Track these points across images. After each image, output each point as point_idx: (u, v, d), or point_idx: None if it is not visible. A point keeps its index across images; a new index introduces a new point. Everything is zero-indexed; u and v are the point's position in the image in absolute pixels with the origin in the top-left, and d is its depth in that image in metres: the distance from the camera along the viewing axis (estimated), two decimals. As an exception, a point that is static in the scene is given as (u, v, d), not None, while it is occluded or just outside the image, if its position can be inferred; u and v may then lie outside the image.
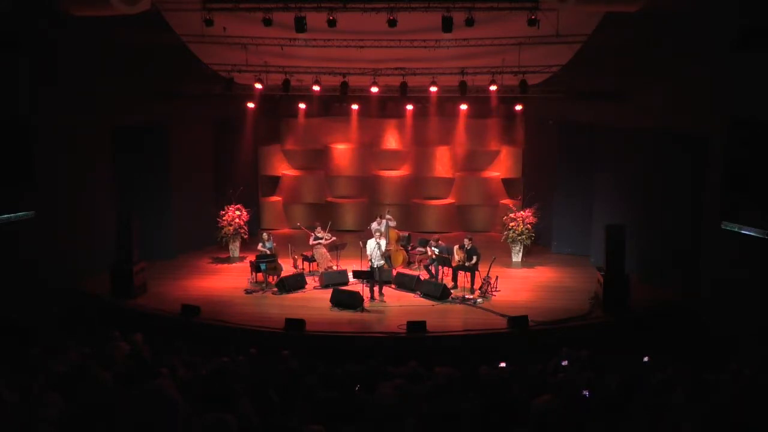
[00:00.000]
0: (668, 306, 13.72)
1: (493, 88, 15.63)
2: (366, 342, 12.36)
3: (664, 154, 14.50)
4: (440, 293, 14.16)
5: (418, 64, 15.58)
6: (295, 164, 20.78)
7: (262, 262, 15.09)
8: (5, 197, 12.91)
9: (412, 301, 14.28)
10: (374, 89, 16.27)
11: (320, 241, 15.93)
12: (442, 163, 20.11)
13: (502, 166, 20.03)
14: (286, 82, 16.06)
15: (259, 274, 15.25)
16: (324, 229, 16.32)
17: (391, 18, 12.63)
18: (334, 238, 16.21)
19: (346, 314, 13.55)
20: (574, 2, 12.18)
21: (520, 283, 15.38)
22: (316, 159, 20.55)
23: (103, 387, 5.54)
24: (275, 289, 14.79)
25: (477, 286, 14.52)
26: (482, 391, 6.94)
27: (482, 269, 14.58)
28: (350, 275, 14.93)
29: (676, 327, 12.83)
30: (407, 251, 16.57)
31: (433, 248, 15.30)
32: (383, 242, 14.49)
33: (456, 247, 15.06)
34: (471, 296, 14.27)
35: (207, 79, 16.27)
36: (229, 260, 17.22)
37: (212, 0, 13.17)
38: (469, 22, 12.61)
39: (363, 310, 13.59)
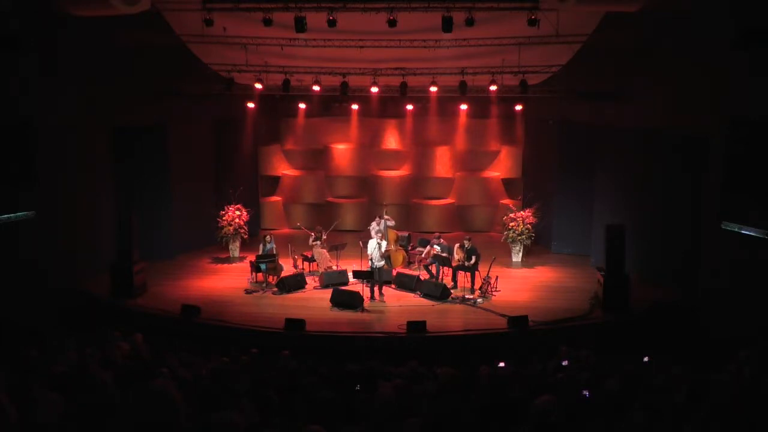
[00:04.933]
0: (668, 306, 13.72)
1: (493, 88, 15.63)
2: (366, 342, 12.36)
3: (664, 154, 14.50)
4: (440, 293, 14.16)
5: (418, 64, 15.58)
6: (295, 164, 20.78)
7: (262, 262, 15.09)
8: (5, 197, 12.91)
9: (412, 301, 14.28)
10: (374, 89, 16.27)
11: (317, 243, 15.95)
12: (442, 163, 20.12)
13: (502, 166, 20.04)
14: (286, 82, 16.06)
15: (259, 274, 15.25)
16: (326, 229, 16.36)
17: (391, 18, 12.64)
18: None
19: (346, 314, 13.55)
20: (574, 2, 12.19)
21: (520, 283, 15.38)
22: (316, 159, 20.55)
23: (103, 387, 5.55)
24: (275, 289, 14.79)
25: (477, 286, 14.52)
26: (482, 391, 6.93)
27: (482, 269, 14.58)
28: (350, 275, 14.94)
29: (676, 327, 12.82)
30: (407, 251, 16.57)
31: (434, 245, 15.31)
32: (383, 243, 14.50)
33: (456, 246, 15.07)
34: (471, 296, 14.27)
35: (207, 79, 16.28)
36: (229, 260, 17.22)
37: (212, 0, 13.18)
38: (469, 22, 12.62)
39: (363, 310, 13.59)
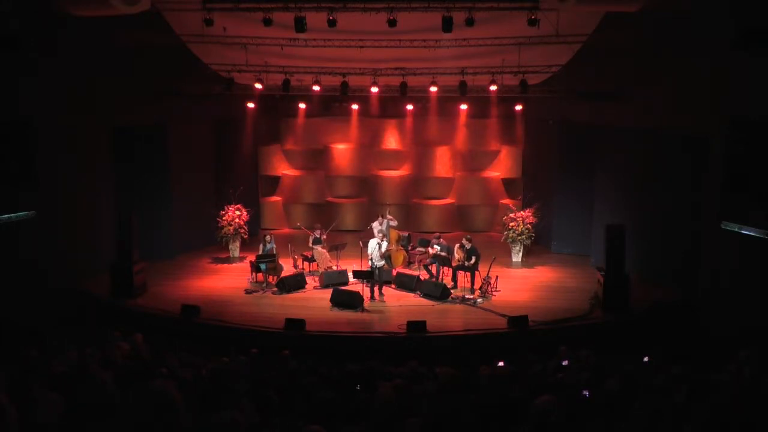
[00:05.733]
0: (668, 306, 13.72)
1: (493, 88, 15.63)
2: (366, 342, 12.37)
3: (664, 154, 14.50)
4: (440, 293, 14.16)
5: (418, 64, 15.58)
6: (295, 164, 20.78)
7: (262, 262, 15.09)
8: (6, 197, 12.91)
9: (412, 301, 14.28)
10: (374, 89, 16.27)
11: (317, 245, 15.97)
12: (442, 163, 20.12)
13: (502, 166, 20.04)
14: (286, 82, 16.07)
15: (259, 274, 15.25)
16: (326, 228, 16.37)
17: (391, 18, 12.63)
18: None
19: (346, 314, 13.55)
20: (574, 2, 12.18)
21: (520, 283, 15.38)
22: (316, 159, 20.55)
23: (103, 387, 5.54)
24: (275, 289, 14.79)
25: (477, 286, 14.52)
26: (482, 391, 6.93)
27: (482, 269, 14.58)
28: (350, 275, 14.93)
29: (676, 327, 12.83)
30: (407, 251, 16.58)
31: (434, 245, 15.31)
32: (384, 243, 14.49)
33: (456, 246, 15.07)
34: (471, 296, 14.27)
35: (207, 79, 16.27)
36: (229, 260, 17.22)
37: (212, 0, 13.17)
38: (469, 22, 12.61)
39: (363, 310, 13.58)
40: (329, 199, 20.34)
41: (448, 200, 20.10)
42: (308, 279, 15.37)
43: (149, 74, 15.24)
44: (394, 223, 16.29)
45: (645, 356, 9.69)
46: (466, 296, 14.28)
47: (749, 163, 11.83)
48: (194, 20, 13.48)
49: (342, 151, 20.34)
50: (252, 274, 15.41)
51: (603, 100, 15.46)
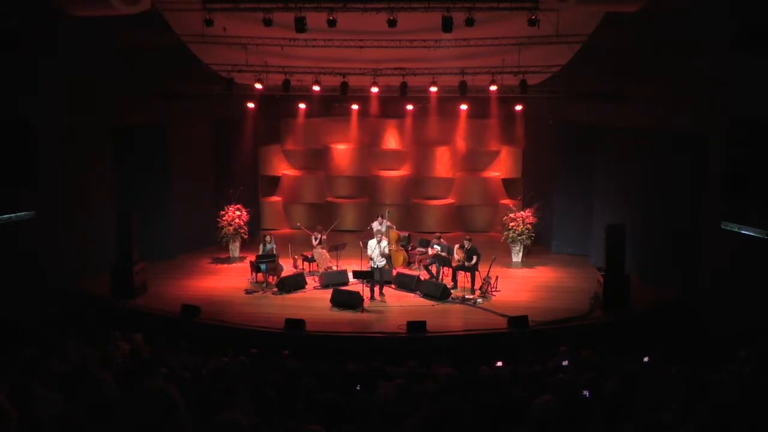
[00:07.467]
0: (668, 306, 13.72)
1: (493, 88, 15.64)
2: (366, 342, 12.37)
3: (664, 154, 14.49)
4: (440, 293, 14.16)
5: (418, 64, 15.60)
6: (295, 164, 20.79)
7: (262, 263, 15.09)
8: (5, 197, 12.90)
9: (412, 301, 14.28)
10: (374, 89, 16.28)
11: (319, 245, 15.98)
12: (442, 163, 20.12)
13: (502, 166, 20.04)
14: (286, 82, 16.08)
15: (259, 274, 15.25)
16: (326, 229, 16.38)
17: (391, 18, 12.64)
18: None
19: (346, 314, 13.55)
20: (574, 2, 12.19)
21: (520, 283, 15.38)
22: (316, 159, 20.55)
23: (103, 387, 5.54)
24: (275, 289, 14.79)
25: (477, 286, 14.52)
26: (482, 391, 6.93)
27: (482, 269, 14.58)
28: (350, 275, 14.93)
29: (676, 327, 12.82)
30: (407, 251, 16.58)
31: (434, 246, 15.31)
32: (384, 243, 14.50)
33: (456, 246, 15.07)
34: (471, 296, 14.27)
35: (207, 79, 16.27)
36: (229, 260, 17.22)
37: (212, 0, 13.17)
38: (469, 22, 12.62)
39: (363, 310, 13.58)
40: (329, 199, 20.34)
41: (448, 200, 20.10)
42: (308, 279, 15.38)
43: (149, 74, 15.23)
44: (392, 226, 16.32)
45: (645, 356, 9.68)
46: (466, 296, 14.28)
47: (749, 163, 11.83)
48: (194, 20, 13.48)
49: (342, 151, 20.34)
50: (252, 275, 15.41)
51: (603, 100, 15.46)
